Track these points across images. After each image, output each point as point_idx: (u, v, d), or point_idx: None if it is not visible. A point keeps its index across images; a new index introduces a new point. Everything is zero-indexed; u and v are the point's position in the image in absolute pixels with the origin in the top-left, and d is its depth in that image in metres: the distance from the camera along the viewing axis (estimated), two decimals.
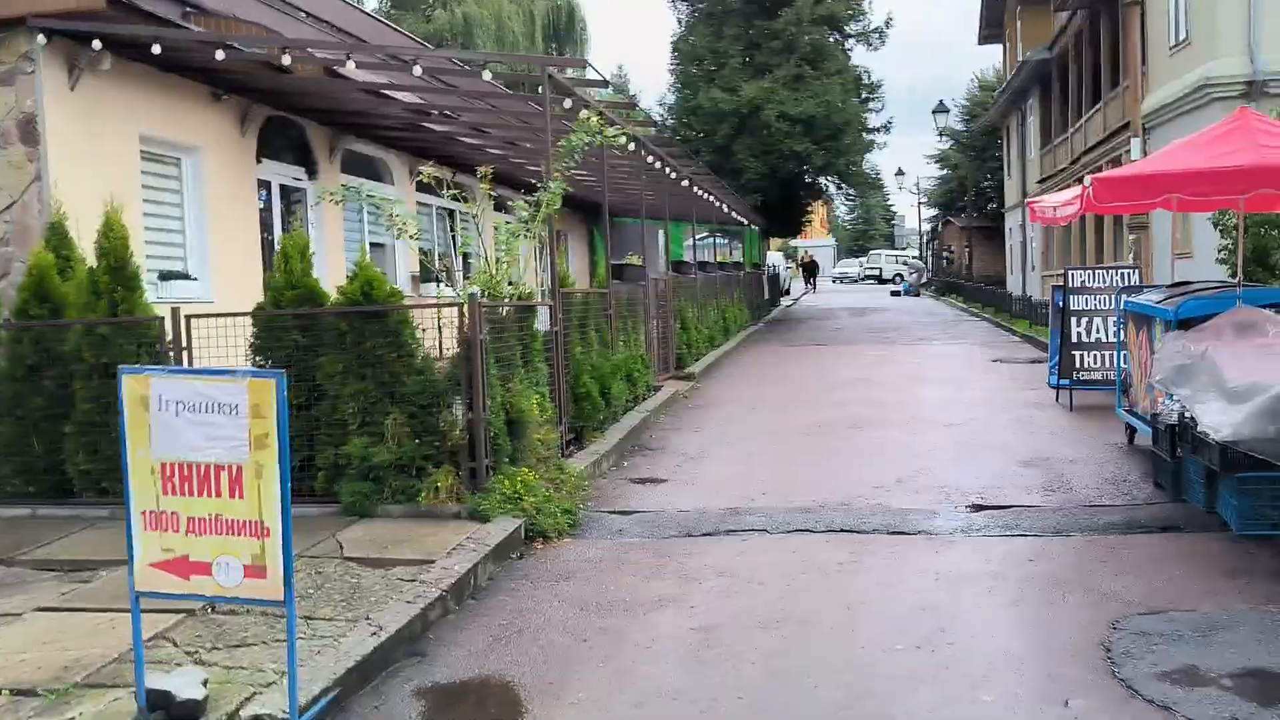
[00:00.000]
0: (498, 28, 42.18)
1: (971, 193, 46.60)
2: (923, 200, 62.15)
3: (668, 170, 15.46)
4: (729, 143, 28.30)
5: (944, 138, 57.34)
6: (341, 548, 6.36)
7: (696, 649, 4.76)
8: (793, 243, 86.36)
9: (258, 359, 7.41)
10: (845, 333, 23.29)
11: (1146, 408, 8.09)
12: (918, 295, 44.94)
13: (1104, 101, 27.28)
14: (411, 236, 8.35)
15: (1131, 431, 8.78)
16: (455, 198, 9.38)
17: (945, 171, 58.70)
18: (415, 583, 5.61)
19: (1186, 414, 6.83)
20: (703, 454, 9.43)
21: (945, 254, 53.77)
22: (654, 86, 51.92)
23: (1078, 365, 10.74)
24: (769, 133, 27.50)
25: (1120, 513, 6.80)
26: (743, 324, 23.32)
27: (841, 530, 6.65)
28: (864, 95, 30.98)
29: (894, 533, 6.56)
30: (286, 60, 9.43)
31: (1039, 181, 35.75)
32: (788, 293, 47.24)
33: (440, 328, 7.57)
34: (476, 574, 5.95)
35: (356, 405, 7.07)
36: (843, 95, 28.24)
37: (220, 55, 9.32)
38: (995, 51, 50.93)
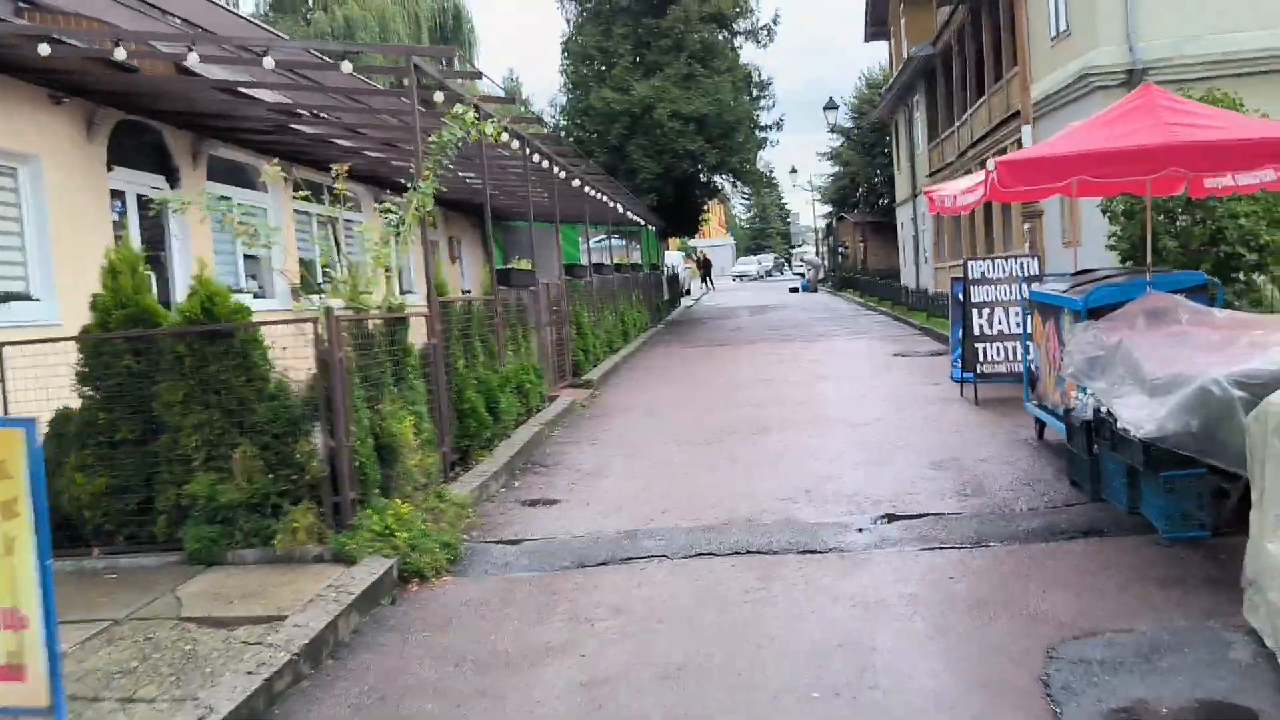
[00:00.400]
0: (381, 29, 40.84)
1: (864, 189, 47.13)
2: (817, 198, 62.82)
3: (556, 170, 14.79)
4: (622, 143, 27.79)
5: (835, 135, 58.11)
6: (180, 605, 5.51)
7: (587, 711, 4.12)
8: (691, 242, 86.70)
9: (85, 389, 6.49)
10: (746, 331, 22.96)
11: (1057, 401, 7.77)
12: (815, 291, 45.21)
13: (988, 94, 27.62)
14: (265, 245, 7.49)
15: (1041, 426, 8.47)
16: (333, 203, 8.53)
17: (838, 169, 59.38)
18: (261, 645, 4.82)
19: (1103, 409, 6.47)
20: (600, 469, 8.80)
21: (840, 250, 54.32)
22: (547, 93, 51.54)
23: (981, 358, 10.46)
24: (662, 132, 27.07)
25: (1040, 518, 6.40)
26: (643, 326, 22.78)
27: (748, 552, 6.08)
28: (755, 93, 30.86)
29: (804, 552, 6.03)
30: (121, 54, 8.46)
31: (928, 175, 36.20)
32: (688, 293, 47.02)
33: (303, 347, 6.76)
34: (337, 629, 5.19)
35: (200, 438, 6.22)
36: (734, 93, 27.99)
37: (45, 50, 8.33)
38: (881, 49, 51.74)
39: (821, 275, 49.10)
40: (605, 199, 19.40)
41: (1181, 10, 19.29)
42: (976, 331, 10.47)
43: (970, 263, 10.67)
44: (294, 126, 12.71)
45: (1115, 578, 5.22)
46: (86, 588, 5.93)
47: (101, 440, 6.38)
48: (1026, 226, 13.25)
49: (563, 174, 16.24)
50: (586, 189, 17.95)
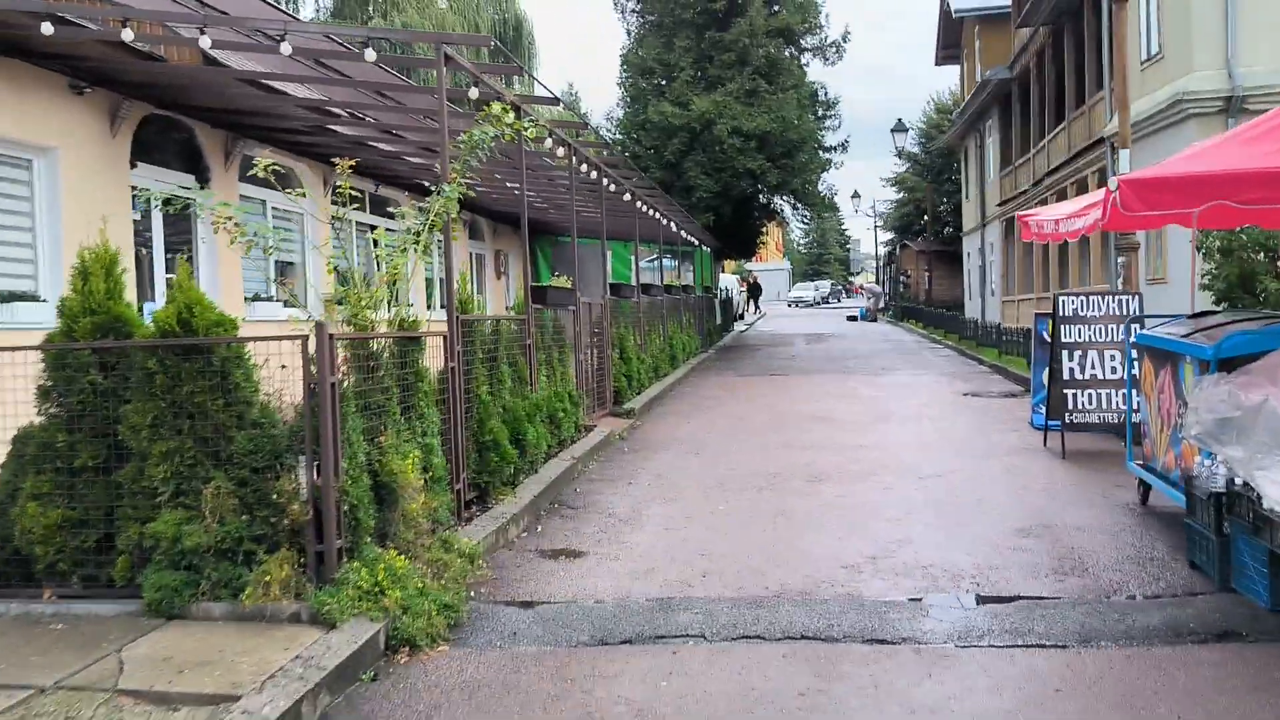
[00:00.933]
0: (437, 31, 40.55)
1: (928, 216, 45.70)
2: (879, 223, 61.40)
3: (605, 181, 13.91)
4: (679, 159, 26.90)
5: (901, 159, 56.76)
6: (121, 671, 4.62)
7: None
8: (747, 265, 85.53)
9: (46, 406, 5.68)
10: (801, 361, 21.84)
11: (1170, 465, 6.62)
12: (875, 321, 43.83)
13: (1068, 120, 26.27)
14: (267, 250, 6.65)
15: (1146, 489, 7.32)
16: (340, 203, 7.69)
17: (902, 195, 57.96)
18: None
19: (1238, 481, 5.35)
20: (634, 514, 7.81)
21: (903, 278, 52.83)
22: (607, 108, 50.50)
23: (1070, 405, 9.29)
24: (721, 149, 26.13)
25: (1159, 611, 5.28)
26: (693, 351, 21.78)
27: (803, 637, 5.04)
28: (820, 112, 29.80)
29: (871, 640, 4.98)
30: (128, 35, 7.73)
31: (999, 204, 34.78)
32: (742, 317, 45.91)
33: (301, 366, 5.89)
34: (300, 715, 4.26)
35: (169, 468, 5.37)
36: (798, 111, 26.98)
37: (48, 29, 7.64)
38: (952, 73, 50.34)
39: (882, 304, 47.67)
40: (658, 215, 18.48)
41: None
42: (1066, 375, 9.31)
43: (1061, 298, 9.52)
44: (330, 127, 11.98)
45: (1267, 702, 4.10)
46: (27, 639, 5.09)
47: (60, 466, 5.56)
48: (1121, 260, 12.03)
49: (612, 186, 15.38)
50: (638, 204, 17.05)
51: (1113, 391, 9.20)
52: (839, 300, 79.55)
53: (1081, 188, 25.39)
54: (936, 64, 46.35)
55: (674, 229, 21.52)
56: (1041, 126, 29.60)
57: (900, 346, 26.22)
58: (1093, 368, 9.27)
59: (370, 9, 38.93)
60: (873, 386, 16.14)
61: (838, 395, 14.92)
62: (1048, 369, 11.10)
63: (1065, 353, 9.36)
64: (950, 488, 8.20)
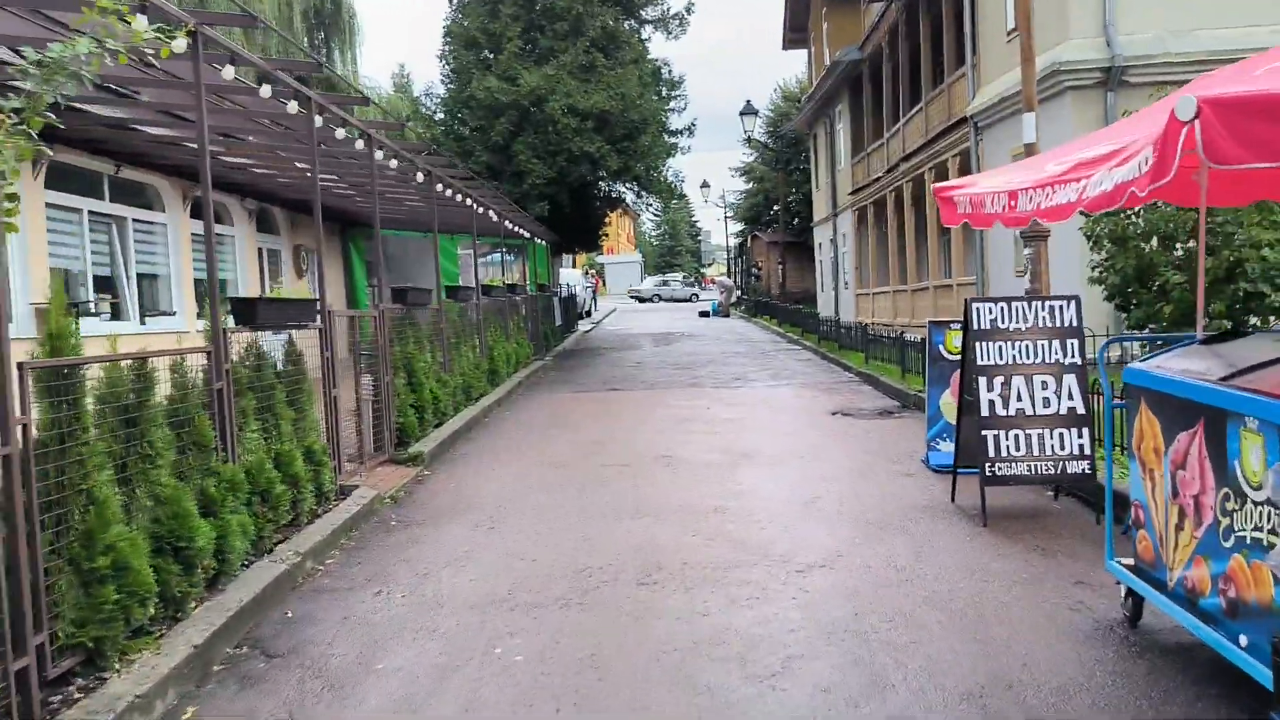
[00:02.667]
0: (245, 9, 36.10)
1: (781, 206, 44.04)
2: (729, 214, 59.75)
3: (388, 160, 10.80)
4: (508, 141, 23.84)
5: (750, 148, 55.12)
6: None
7: None
8: (599, 259, 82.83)
9: None
10: (647, 369, 19.16)
11: (1198, 585, 4.11)
12: (727, 316, 41.81)
13: (925, 102, 24.53)
14: None
15: (1137, 603, 4.82)
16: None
17: (751, 185, 56.44)
18: None
19: None
20: (362, 667, 4.82)
21: (754, 270, 51.23)
22: (429, 83, 45.67)
23: (992, 451, 6.80)
24: (555, 129, 23.21)
25: None
26: (524, 360, 18.82)
27: None
28: (664, 91, 27.23)
29: None
30: None
31: (851, 192, 33.11)
32: (588, 314, 43.16)
33: None
34: None
35: None
36: (640, 89, 24.31)
37: None
38: (800, 58, 48.90)
39: (734, 299, 45.76)
40: (474, 205, 15.42)
41: (1165, 0, 16.33)
42: (985, 410, 6.82)
43: (976, 306, 7.01)
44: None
45: None
46: None
47: None
48: (1028, 252, 9.76)
49: (420, 175, 12.34)
50: (449, 192, 13.97)
51: (1046, 432, 6.77)
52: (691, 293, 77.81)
53: (941, 173, 23.67)
54: (784, 48, 44.70)
55: (495, 219, 18.52)
56: (896, 109, 27.89)
57: (755, 348, 23.90)
58: (1019, 399, 6.81)
59: None
60: (728, 404, 13.54)
61: (687, 419, 12.24)
62: (946, 393, 8.68)
63: (983, 380, 6.86)
64: (840, 596, 5.50)
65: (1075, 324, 6.90)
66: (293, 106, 8.01)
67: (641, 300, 67.73)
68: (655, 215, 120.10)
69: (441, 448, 10.41)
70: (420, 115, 26.72)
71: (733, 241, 61.84)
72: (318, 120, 8.83)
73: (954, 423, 8.64)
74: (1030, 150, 9.96)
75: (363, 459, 8.93)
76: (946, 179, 23.59)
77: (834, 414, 12.43)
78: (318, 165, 8.81)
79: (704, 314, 42.21)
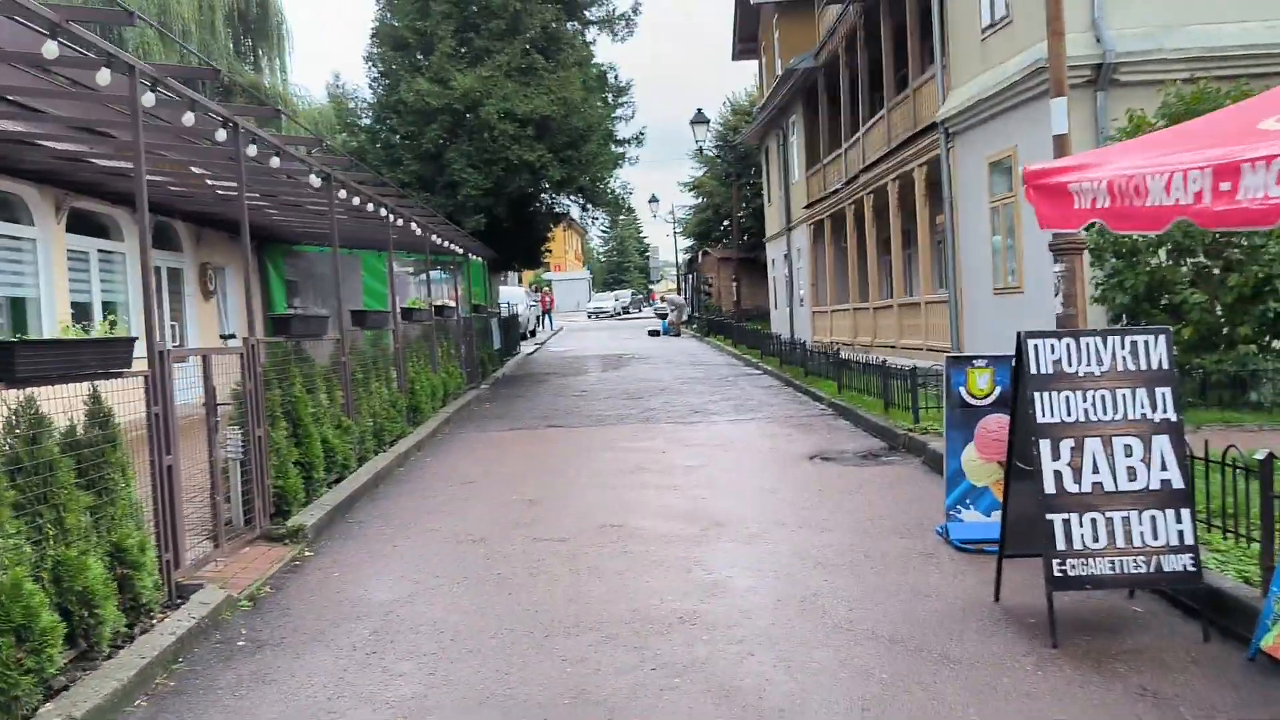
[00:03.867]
0: (161, 11, 33.62)
1: (733, 222, 42.47)
2: (678, 229, 58.13)
3: (270, 158, 8.76)
4: (441, 148, 21.79)
5: (699, 162, 53.59)
6: None
7: None
8: (546, 276, 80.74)
9: None
10: (594, 399, 17.19)
11: None
12: (678, 335, 39.98)
13: (887, 108, 22.97)
14: None
15: None
16: None
17: (701, 199, 54.91)
18: None
19: None
20: None
21: (705, 287, 49.53)
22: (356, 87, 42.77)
23: (1063, 543, 4.95)
24: (491, 136, 21.23)
25: None
26: (455, 391, 16.75)
27: None
28: (611, 98, 25.39)
29: None
30: None
31: (806, 206, 31.52)
32: (533, 334, 41.05)
33: None
34: None
35: None
36: (584, 94, 22.43)
37: None
38: (750, 70, 47.50)
39: (685, 317, 43.97)
40: (390, 216, 13.37)
41: None
42: (1050, 485, 4.97)
43: (1034, 344, 5.14)
44: None
45: None
46: None
47: None
48: (1059, 269, 7.97)
49: (342, 192, 10.36)
50: (357, 201, 11.92)
51: (1134, 514, 4.95)
52: (639, 310, 76.20)
53: (906, 184, 22.11)
54: (734, 58, 43.22)
55: (419, 233, 16.46)
56: (855, 118, 26.33)
57: (712, 372, 22.03)
58: (1096, 470, 4.97)
59: None
60: (686, 445, 11.61)
61: (640, 466, 10.28)
62: (970, 448, 6.85)
63: (1045, 444, 5.02)
64: None
65: (1166, 365, 5.09)
66: (149, 99, 6.03)
67: (599, 317, 66.08)
68: (604, 232, 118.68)
69: (334, 515, 8.32)
70: (344, 122, 24.57)
71: (682, 258, 60.21)
72: (188, 118, 6.89)
73: (979, 485, 6.82)
74: (1060, 144, 8.20)
75: (218, 540, 6.84)
76: (912, 190, 22.07)
77: (813, 458, 10.56)
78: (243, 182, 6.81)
79: (654, 333, 40.34)
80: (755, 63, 42.58)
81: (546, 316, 47.91)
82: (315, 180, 10.07)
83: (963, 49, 18.31)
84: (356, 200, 12.00)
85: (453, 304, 19.66)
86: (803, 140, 32.21)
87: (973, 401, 6.81)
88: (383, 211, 13.18)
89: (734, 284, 39.88)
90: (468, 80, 20.97)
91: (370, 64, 23.51)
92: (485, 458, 11.38)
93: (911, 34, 21.44)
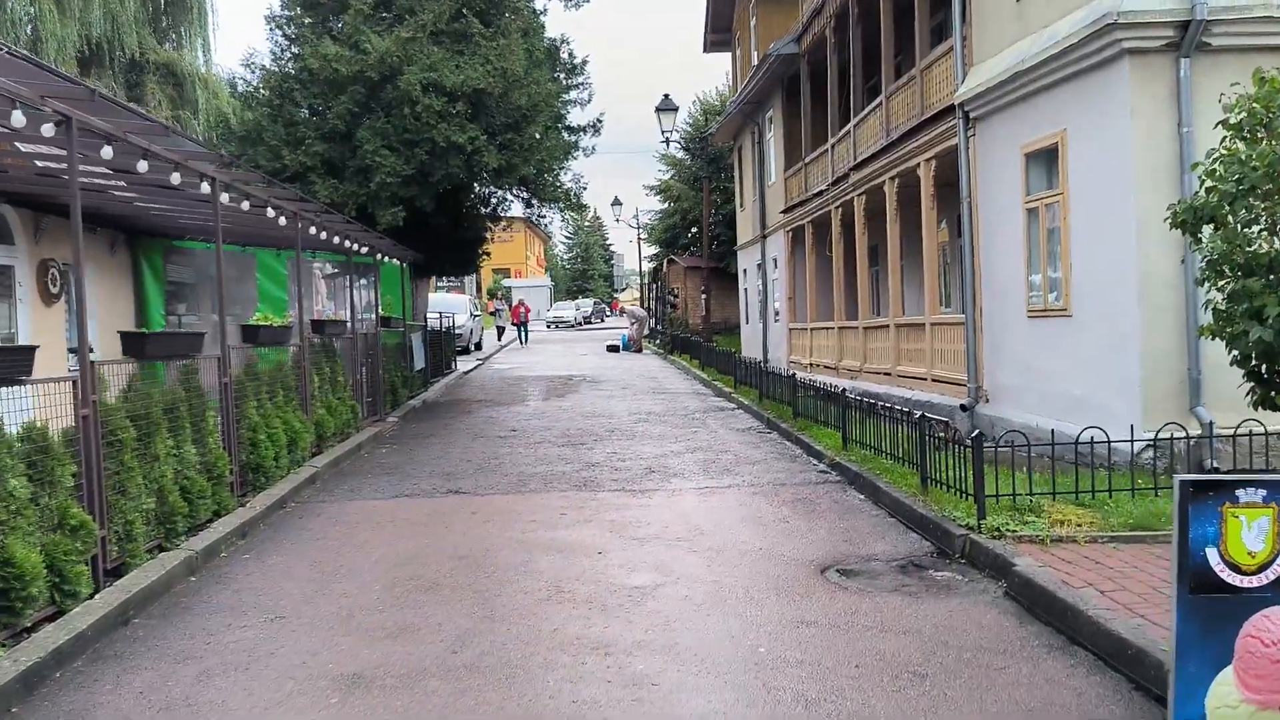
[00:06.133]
0: None
1: (703, 229, 38.88)
2: (643, 236, 54.50)
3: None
4: (351, 126, 17.90)
5: (666, 165, 49.97)
6: None
7: None
8: (506, 282, 76.60)
9: None
10: (522, 443, 13.36)
11: None
12: (639, 351, 36.20)
13: (886, 95, 19.40)
14: None
15: None
16: None
17: (668, 204, 51.29)
18: None
19: None
20: None
21: (670, 298, 45.87)
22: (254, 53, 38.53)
23: None
24: (413, 112, 17.38)
25: None
26: (343, 429, 12.90)
27: None
28: (563, 78, 21.61)
29: None
30: None
31: (784, 210, 27.88)
32: (477, 347, 37.03)
33: None
34: None
35: None
36: (528, 65, 18.67)
37: None
38: (721, 66, 44.02)
39: (647, 330, 40.20)
40: (233, 200, 9.50)
41: None
42: None
43: None
44: None
45: None
46: None
47: None
48: None
49: (206, 187, 6.54)
50: (177, 178, 8.07)
51: None
52: (601, 320, 72.41)
53: (908, 182, 18.52)
54: (705, 50, 39.65)
55: (315, 232, 12.64)
56: (844, 109, 22.75)
57: (676, 405, 18.24)
58: None
59: None
60: (635, 542, 7.82)
61: (555, 592, 6.46)
62: (1227, 674, 3.11)
63: None
64: None
65: None
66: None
67: (558, 327, 62.38)
68: (567, 237, 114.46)
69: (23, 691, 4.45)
70: (239, 94, 20.61)
71: (647, 266, 56.58)
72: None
73: None
74: None
75: None
76: (916, 189, 18.51)
77: (826, 571, 6.83)
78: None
79: (613, 348, 36.54)
80: (728, 55, 39.11)
81: (521, 329, 43.08)
82: (106, 150, 6.27)
83: (990, 14, 14.72)
84: (177, 178, 8.17)
85: (359, 314, 15.83)
86: (781, 137, 28.66)
87: (1233, 578, 3.12)
88: (225, 196, 9.32)
89: (702, 295, 36.19)
90: (384, 43, 17.12)
91: (273, 26, 19.58)
92: (327, 564, 7.48)
93: (920, 4, 17.88)
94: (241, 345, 10.06)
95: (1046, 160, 13.12)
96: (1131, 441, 9.08)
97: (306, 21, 19.49)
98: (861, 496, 9.31)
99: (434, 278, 43.30)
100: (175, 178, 7.90)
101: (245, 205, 9.58)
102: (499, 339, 42.52)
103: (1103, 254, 11.55)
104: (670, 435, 13.87)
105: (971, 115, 15.24)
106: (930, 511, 7.80)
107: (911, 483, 8.76)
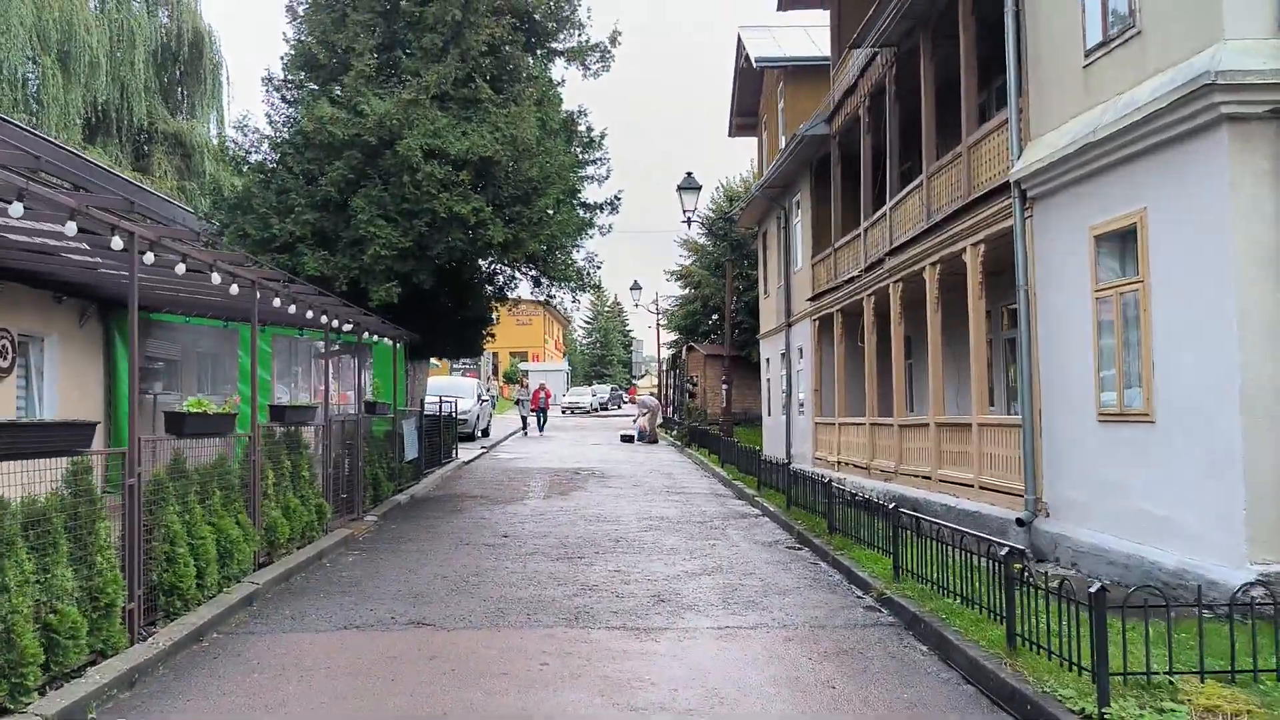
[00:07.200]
0: (66, 39, 28.68)
1: (727, 316, 37.37)
2: (662, 322, 53.09)
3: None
4: (346, 193, 16.48)
5: (687, 250, 48.80)
6: None
7: None
8: (523, 365, 75.23)
9: None
10: (512, 554, 11.46)
11: None
12: (654, 442, 34.32)
13: (927, 174, 17.89)
14: None
15: None
16: None
17: (688, 290, 49.96)
18: None
19: None
20: None
21: (689, 386, 44.13)
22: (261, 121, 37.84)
23: None
24: (414, 180, 15.95)
25: None
26: (308, 530, 11.09)
27: None
28: (579, 151, 20.25)
29: None
30: None
31: (811, 298, 26.26)
32: (484, 434, 35.22)
33: None
34: None
35: None
36: (540, 134, 17.29)
37: None
38: (747, 152, 43.02)
39: (660, 420, 38.35)
40: (241, 287, 7.90)
41: None
42: None
43: None
44: None
45: None
46: None
47: None
48: None
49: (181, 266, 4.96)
50: (118, 242, 6.48)
51: None
52: (618, 406, 70.78)
53: (952, 268, 16.84)
54: (730, 134, 38.66)
55: (277, 304, 11.04)
56: (878, 192, 21.24)
57: (692, 508, 16.29)
58: None
59: None
60: (631, 715, 5.94)
61: None
62: None
63: None
64: None
65: None
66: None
67: (574, 413, 61.01)
68: (586, 322, 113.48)
69: None
70: (229, 159, 19.32)
71: (666, 352, 55.06)
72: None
73: None
74: None
75: None
76: (961, 275, 16.85)
77: None
78: None
79: (627, 438, 34.67)
80: (754, 140, 38.11)
81: (541, 415, 40.90)
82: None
83: (1051, 83, 13.18)
84: (118, 241, 6.57)
85: (339, 399, 14.17)
86: (809, 222, 27.21)
87: None
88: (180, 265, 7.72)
89: (724, 385, 34.40)
90: (384, 105, 15.77)
91: (269, 89, 18.35)
92: None
93: (966, 75, 16.40)
94: (163, 437, 8.32)
95: (1121, 243, 11.41)
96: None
97: (306, 84, 18.26)
98: (924, 649, 7.35)
99: (447, 360, 41.83)
100: (70, 227, 6.28)
101: (180, 268, 7.96)
102: (524, 428, 40.61)
103: (1194, 352, 9.77)
104: (684, 549, 11.92)
105: (1029, 194, 13.56)
106: (1026, 685, 5.86)
107: (991, 635, 6.82)
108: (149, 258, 7.33)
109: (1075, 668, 5.68)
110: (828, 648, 7.37)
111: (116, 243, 6.81)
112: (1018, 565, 6.47)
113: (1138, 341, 10.84)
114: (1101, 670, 5.29)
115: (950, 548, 8.11)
